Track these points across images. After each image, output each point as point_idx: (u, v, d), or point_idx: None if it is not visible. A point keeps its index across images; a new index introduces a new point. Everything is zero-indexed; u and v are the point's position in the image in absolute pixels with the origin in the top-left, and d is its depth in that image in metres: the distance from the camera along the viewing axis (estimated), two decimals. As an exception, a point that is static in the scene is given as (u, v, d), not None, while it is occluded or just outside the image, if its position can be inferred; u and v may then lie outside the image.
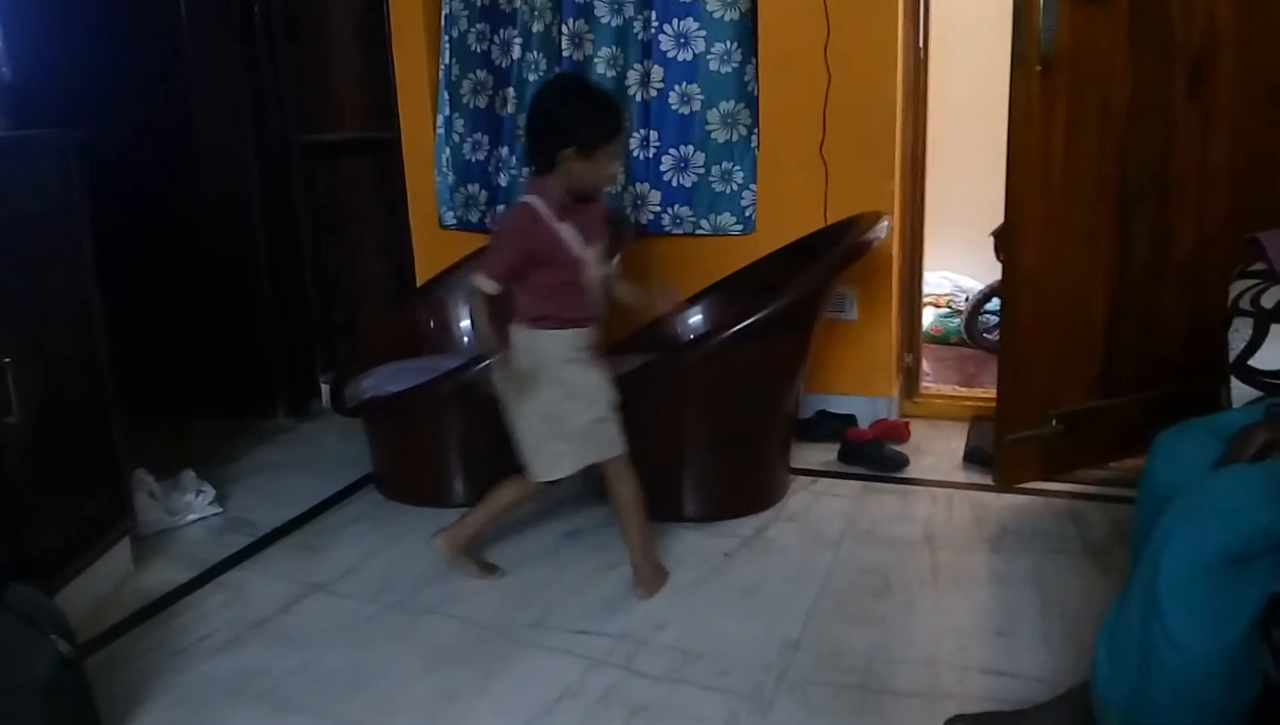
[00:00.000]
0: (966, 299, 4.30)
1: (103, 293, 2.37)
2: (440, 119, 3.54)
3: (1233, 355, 1.88)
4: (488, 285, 2.09)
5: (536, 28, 3.31)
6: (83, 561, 2.28)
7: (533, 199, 2.12)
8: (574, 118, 2.06)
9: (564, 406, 2.18)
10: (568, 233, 2.11)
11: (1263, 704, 1.37)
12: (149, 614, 2.30)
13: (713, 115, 3.17)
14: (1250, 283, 1.94)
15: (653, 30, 3.13)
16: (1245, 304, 1.91)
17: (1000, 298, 2.81)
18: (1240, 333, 1.88)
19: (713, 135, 3.18)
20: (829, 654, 2.03)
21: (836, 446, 3.08)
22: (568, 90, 2.20)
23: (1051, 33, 2.43)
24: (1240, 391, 1.85)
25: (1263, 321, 1.86)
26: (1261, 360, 1.84)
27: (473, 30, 3.45)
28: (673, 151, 3.21)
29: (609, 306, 2.26)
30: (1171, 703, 1.37)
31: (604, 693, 1.94)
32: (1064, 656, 1.96)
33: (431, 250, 3.60)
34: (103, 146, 2.63)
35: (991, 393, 2.92)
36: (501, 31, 3.42)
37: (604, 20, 3.22)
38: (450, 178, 3.58)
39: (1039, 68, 2.46)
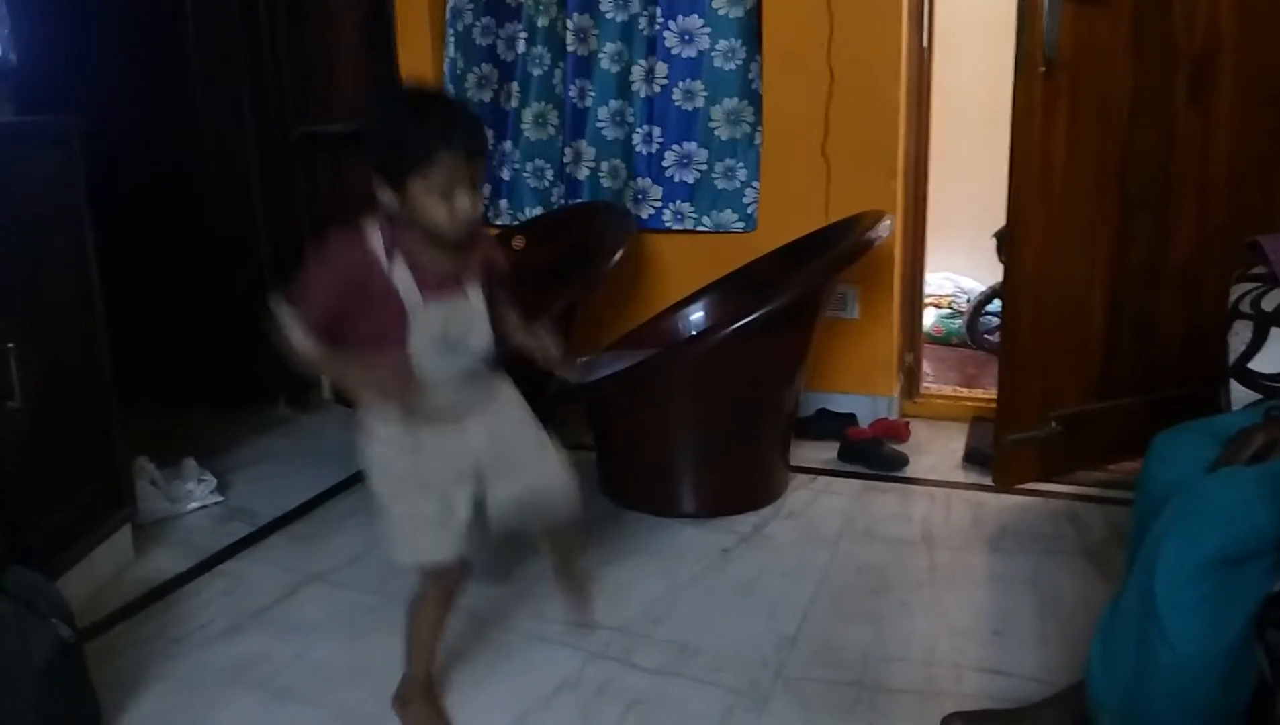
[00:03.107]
0: (968, 300, 4.30)
1: (103, 280, 2.37)
2: (444, 112, 3.55)
3: (1232, 358, 1.88)
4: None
5: (541, 22, 3.32)
6: (83, 548, 2.28)
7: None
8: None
9: None
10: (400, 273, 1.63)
11: (1257, 705, 1.37)
12: (149, 601, 2.31)
13: (716, 112, 3.17)
14: (1250, 286, 1.95)
15: (658, 26, 3.14)
16: (1245, 307, 1.91)
17: (1001, 299, 2.82)
18: (1240, 336, 1.88)
19: (716, 132, 3.19)
20: (825, 651, 2.04)
21: (836, 445, 3.08)
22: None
23: (1055, 34, 2.43)
24: (1239, 394, 1.85)
25: (1262, 325, 1.86)
26: (1261, 363, 1.84)
27: (478, 24, 3.45)
28: (675, 147, 3.21)
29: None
30: (1165, 703, 1.38)
31: (601, 685, 1.94)
32: (1060, 656, 1.97)
33: (434, 243, 3.59)
34: (104, 134, 2.63)
35: (992, 394, 2.93)
36: (506, 26, 3.43)
37: (609, 15, 3.23)
38: (454, 171, 3.58)
39: (1042, 69, 2.46)
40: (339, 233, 1.66)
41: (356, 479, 2.98)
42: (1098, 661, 1.51)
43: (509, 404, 1.78)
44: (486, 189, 3.54)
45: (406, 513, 1.71)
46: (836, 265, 2.62)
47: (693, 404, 2.62)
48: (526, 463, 1.77)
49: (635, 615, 2.19)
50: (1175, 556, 1.36)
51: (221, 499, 2.85)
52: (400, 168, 1.55)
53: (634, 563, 2.44)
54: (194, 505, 2.78)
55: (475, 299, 1.68)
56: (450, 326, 1.65)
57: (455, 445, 1.70)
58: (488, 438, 1.72)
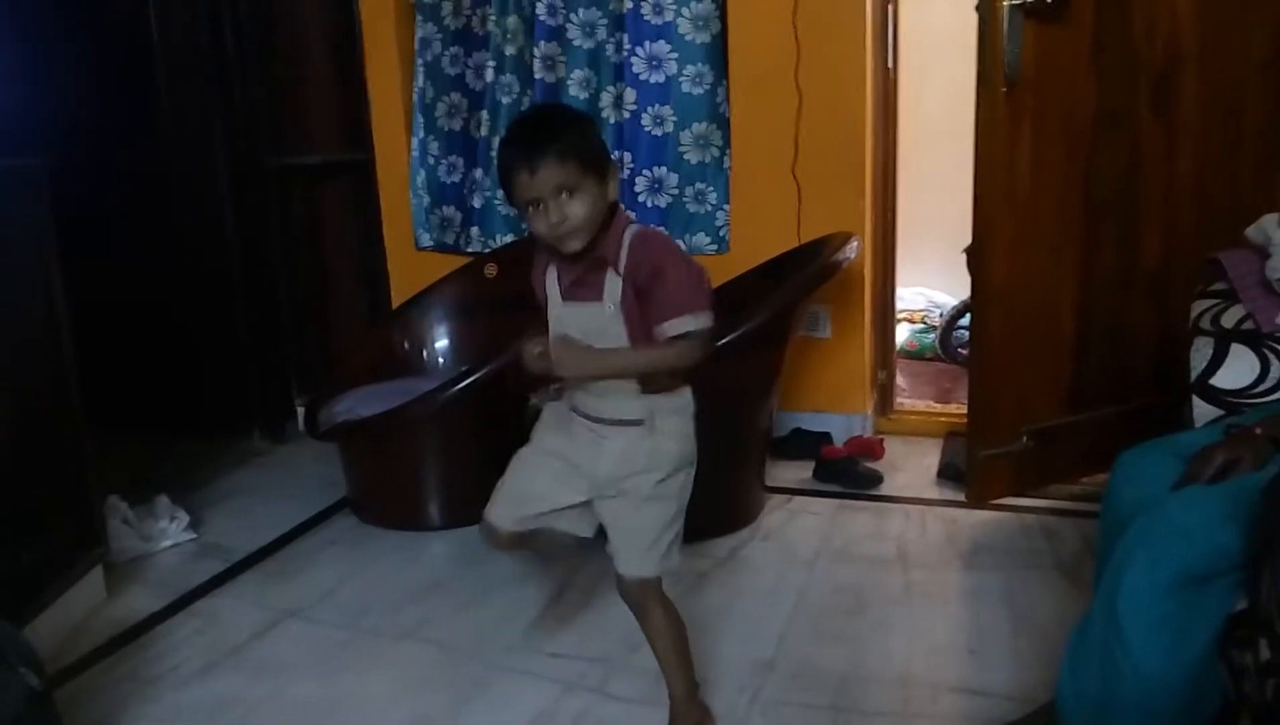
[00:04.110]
0: (941, 314, 4.32)
1: (75, 316, 2.36)
2: (415, 142, 3.56)
3: (1194, 374, 1.90)
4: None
5: (509, 51, 3.33)
6: (55, 590, 2.27)
7: None
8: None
9: None
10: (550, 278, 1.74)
11: (1221, 722, 1.38)
12: (122, 642, 2.28)
13: (685, 136, 3.19)
14: (1211, 302, 1.97)
15: (625, 53, 3.15)
16: (1206, 323, 1.93)
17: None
18: (1201, 352, 1.90)
19: (686, 156, 3.20)
20: (802, 674, 2.04)
21: (811, 464, 3.09)
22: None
23: (1015, 54, 2.46)
24: (1202, 410, 1.87)
25: (1223, 341, 1.88)
26: (1222, 379, 1.86)
27: (446, 54, 3.47)
28: (646, 173, 3.23)
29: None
30: (1132, 720, 1.39)
31: (578, 716, 1.94)
32: (1034, 673, 1.97)
33: (407, 272, 3.60)
34: (75, 172, 2.63)
35: (965, 408, 2.94)
36: (474, 55, 3.45)
37: (576, 43, 3.24)
38: (425, 200, 3.59)
39: (1004, 88, 2.49)
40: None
41: (331, 512, 2.98)
42: (1067, 679, 1.52)
43: (642, 475, 1.73)
44: (458, 217, 3.54)
45: (509, 472, 1.84)
46: (805, 288, 2.63)
47: (667, 428, 2.62)
48: (615, 532, 1.80)
49: (612, 644, 2.18)
50: (1139, 575, 1.38)
51: (195, 536, 2.82)
52: (507, 196, 1.65)
53: (610, 591, 2.38)
54: (167, 543, 2.75)
55: (610, 302, 1.65)
56: (582, 332, 1.67)
57: (588, 452, 1.74)
58: (612, 470, 1.73)
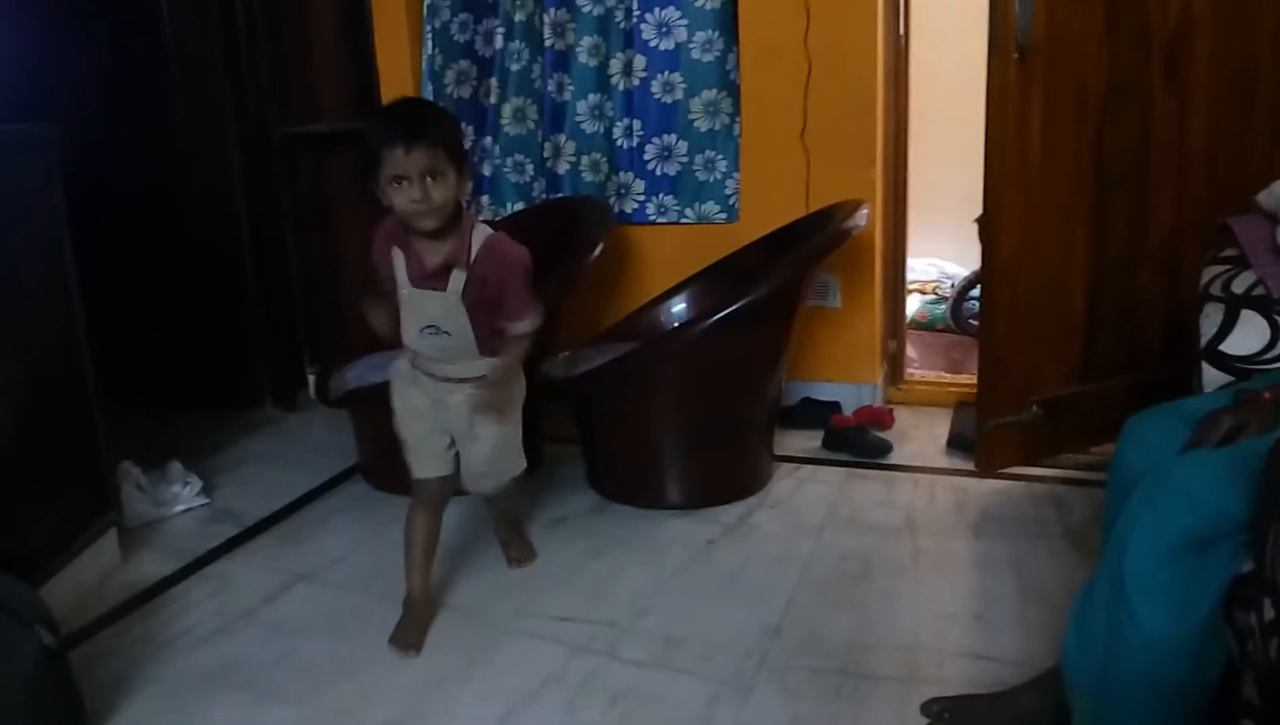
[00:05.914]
0: (952, 285, 4.31)
1: (86, 286, 2.38)
2: (424, 109, 3.55)
3: (1204, 340, 1.90)
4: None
5: (519, 17, 3.31)
6: (69, 554, 2.29)
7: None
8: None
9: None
10: (397, 260, 1.99)
11: (1225, 684, 1.39)
12: (135, 605, 2.31)
13: (695, 104, 3.18)
14: (1221, 268, 1.96)
15: (634, 19, 3.14)
16: (1216, 290, 1.93)
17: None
18: (1211, 318, 1.90)
19: (695, 124, 3.19)
20: (809, 639, 2.05)
21: (820, 433, 3.10)
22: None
23: (1028, 20, 2.44)
24: (1211, 376, 1.87)
25: (1233, 307, 1.88)
26: (1232, 345, 1.86)
27: (455, 20, 3.45)
28: (656, 140, 3.22)
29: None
30: (1136, 684, 1.39)
31: (586, 679, 1.96)
32: (1041, 639, 1.98)
33: (417, 240, 3.60)
34: (83, 140, 2.63)
35: (975, 378, 2.93)
36: (484, 22, 3.43)
37: (586, 9, 3.23)
38: (435, 168, 3.58)
39: (1016, 55, 2.47)
40: (381, 222, 2.02)
41: (343, 478, 3.00)
42: (1073, 643, 1.52)
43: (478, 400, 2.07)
44: (469, 186, 3.53)
45: (407, 436, 2.13)
46: (814, 256, 2.63)
47: (676, 396, 2.63)
48: (467, 448, 2.14)
49: (621, 608, 2.20)
50: (1144, 539, 1.38)
51: (208, 501, 2.85)
52: (371, 168, 1.87)
53: (619, 555, 2.45)
54: (180, 508, 2.78)
55: (453, 294, 1.95)
56: (428, 314, 1.98)
57: (441, 402, 2.08)
58: (461, 412, 2.07)
